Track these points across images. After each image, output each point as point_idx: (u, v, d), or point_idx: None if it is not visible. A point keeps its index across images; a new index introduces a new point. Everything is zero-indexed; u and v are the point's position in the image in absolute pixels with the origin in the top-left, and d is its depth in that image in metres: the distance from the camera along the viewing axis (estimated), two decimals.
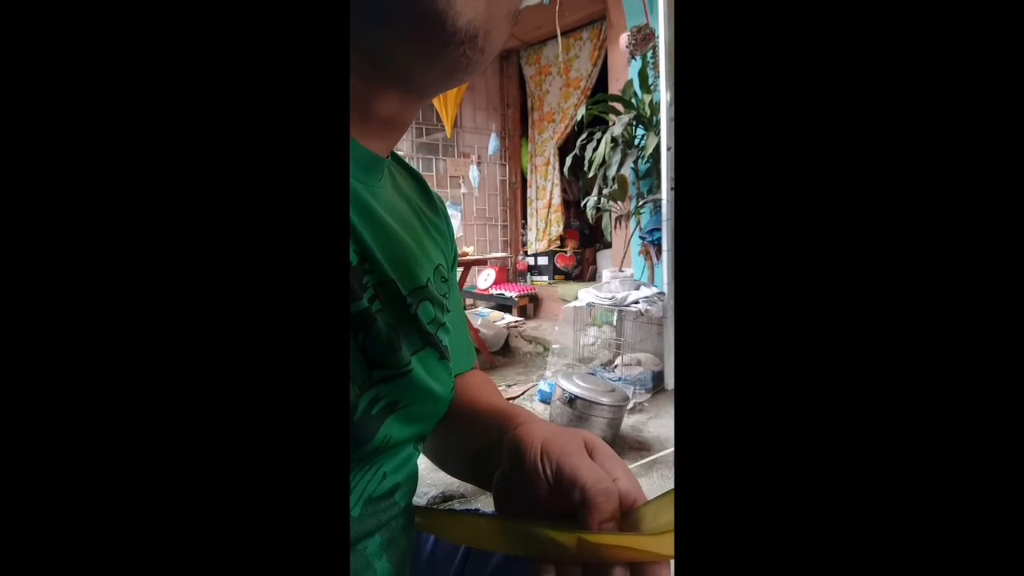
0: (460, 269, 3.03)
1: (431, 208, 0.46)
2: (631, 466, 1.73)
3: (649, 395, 2.32)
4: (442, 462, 0.48)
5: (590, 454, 0.31)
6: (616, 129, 2.69)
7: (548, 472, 0.29)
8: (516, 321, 3.49)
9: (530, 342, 3.27)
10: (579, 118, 3.20)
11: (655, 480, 1.63)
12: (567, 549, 0.27)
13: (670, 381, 2.39)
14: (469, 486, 1.62)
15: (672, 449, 1.65)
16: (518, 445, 0.31)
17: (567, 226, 4.39)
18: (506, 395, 2.45)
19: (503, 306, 3.80)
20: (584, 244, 4.42)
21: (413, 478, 0.42)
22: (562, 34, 3.40)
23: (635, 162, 2.74)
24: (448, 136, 4.07)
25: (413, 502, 0.41)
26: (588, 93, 3.74)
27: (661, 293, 2.41)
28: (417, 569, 0.52)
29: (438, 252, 0.44)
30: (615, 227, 3.19)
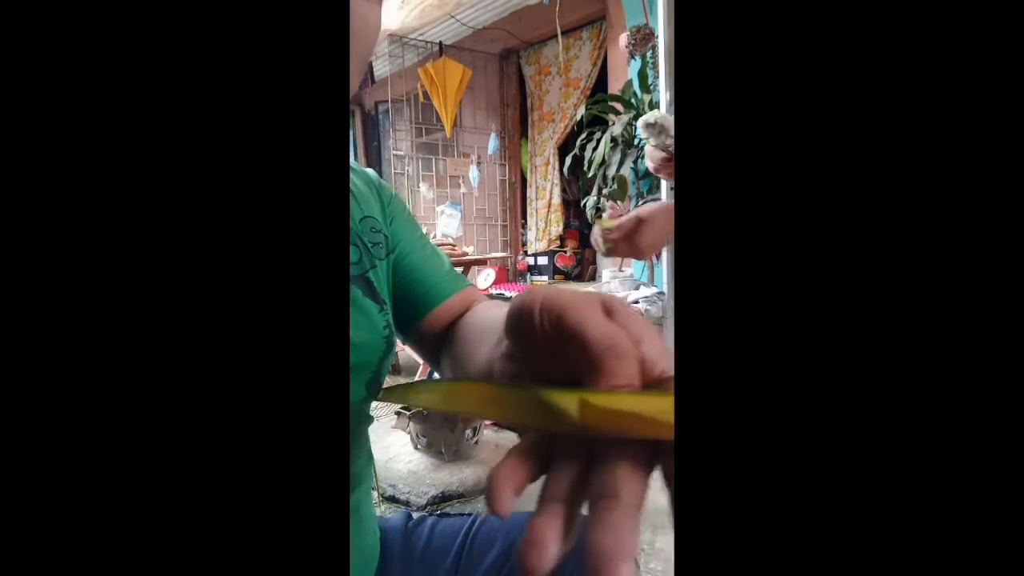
0: (460, 269, 3.02)
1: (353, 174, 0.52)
2: None
3: None
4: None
5: (608, 314, 0.24)
6: (616, 129, 2.69)
7: (547, 325, 0.23)
8: None
9: None
10: (579, 118, 3.20)
11: (655, 480, 1.63)
12: (566, 416, 0.21)
13: None
14: (468, 485, 1.62)
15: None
16: (515, 304, 0.25)
17: (567, 226, 4.39)
18: None
19: None
20: (584, 244, 4.42)
21: (360, 427, 0.45)
22: (562, 34, 3.40)
23: (635, 162, 2.74)
24: (448, 136, 4.06)
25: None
26: (588, 93, 3.74)
27: (661, 293, 2.41)
28: (411, 567, 0.52)
29: (357, 208, 0.49)
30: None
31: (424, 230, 0.57)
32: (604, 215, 0.88)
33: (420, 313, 0.51)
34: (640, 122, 0.94)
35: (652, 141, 0.93)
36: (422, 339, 0.52)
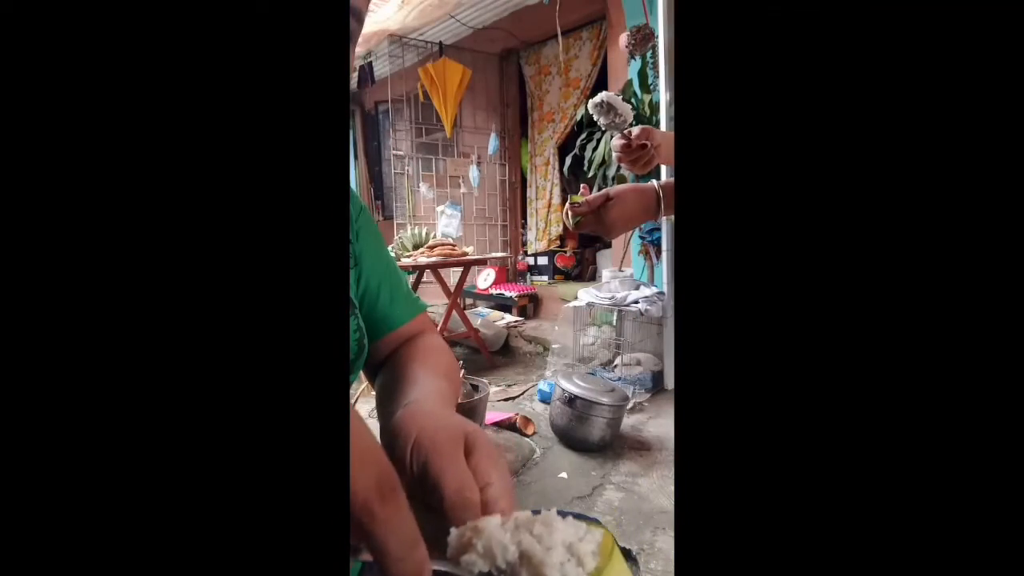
0: (460, 269, 3.02)
1: None
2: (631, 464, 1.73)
3: (649, 395, 2.32)
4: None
5: (468, 451, 0.29)
6: None
7: (415, 468, 0.28)
8: (516, 321, 3.49)
9: (530, 342, 3.27)
10: (579, 118, 3.20)
11: (655, 480, 1.63)
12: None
13: (670, 381, 2.39)
14: None
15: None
16: (396, 431, 0.30)
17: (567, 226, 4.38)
18: (506, 395, 2.45)
19: (503, 306, 3.80)
20: (584, 244, 4.42)
21: None
22: (562, 34, 3.40)
23: None
24: (448, 136, 4.06)
25: None
26: (588, 93, 3.74)
27: (661, 293, 2.41)
28: None
29: None
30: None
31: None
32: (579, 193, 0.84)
33: (372, 338, 0.53)
34: (589, 104, 0.87)
35: (603, 121, 0.86)
36: (369, 360, 0.53)
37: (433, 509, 0.26)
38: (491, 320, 3.44)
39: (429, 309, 0.57)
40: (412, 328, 0.55)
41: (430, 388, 0.40)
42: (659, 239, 2.70)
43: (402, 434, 0.29)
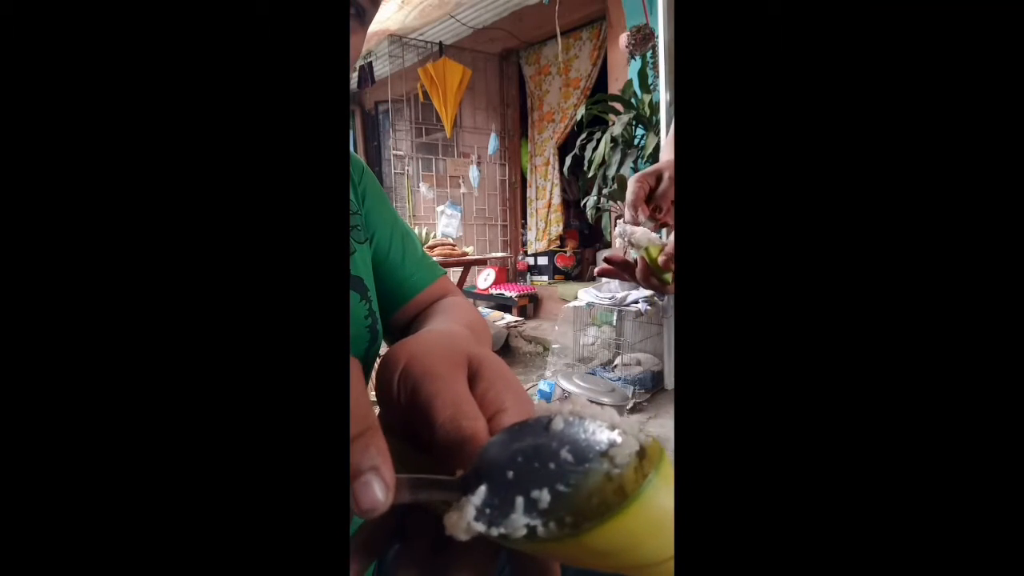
0: (460, 269, 3.02)
1: None
2: None
3: (649, 395, 2.32)
4: None
5: (472, 376, 0.23)
6: (616, 129, 2.69)
7: (403, 396, 0.22)
8: (516, 321, 3.49)
9: (530, 342, 3.27)
10: (579, 118, 3.20)
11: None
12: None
13: (670, 381, 2.39)
14: None
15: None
16: (383, 363, 0.24)
17: (567, 226, 4.39)
18: None
19: (503, 306, 3.80)
20: (584, 244, 4.42)
21: None
22: (562, 34, 3.40)
23: (635, 162, 2.75)
24: (448, 136, 4.06)
25: None
26: (588, 93, 3.74)
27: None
28: None
29: None
30: (615, 227, 3.19)
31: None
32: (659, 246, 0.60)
33: (393, 307, 0.48)
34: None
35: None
36: (390, 331, 0.50)
37: (426, 449, 0.21)
38: (491, 320, 3.44)
39: None
40: (435, 292, 0.49)
41: (437, 327, 0.33)
42: None
43: (390, 363, 0.23)
